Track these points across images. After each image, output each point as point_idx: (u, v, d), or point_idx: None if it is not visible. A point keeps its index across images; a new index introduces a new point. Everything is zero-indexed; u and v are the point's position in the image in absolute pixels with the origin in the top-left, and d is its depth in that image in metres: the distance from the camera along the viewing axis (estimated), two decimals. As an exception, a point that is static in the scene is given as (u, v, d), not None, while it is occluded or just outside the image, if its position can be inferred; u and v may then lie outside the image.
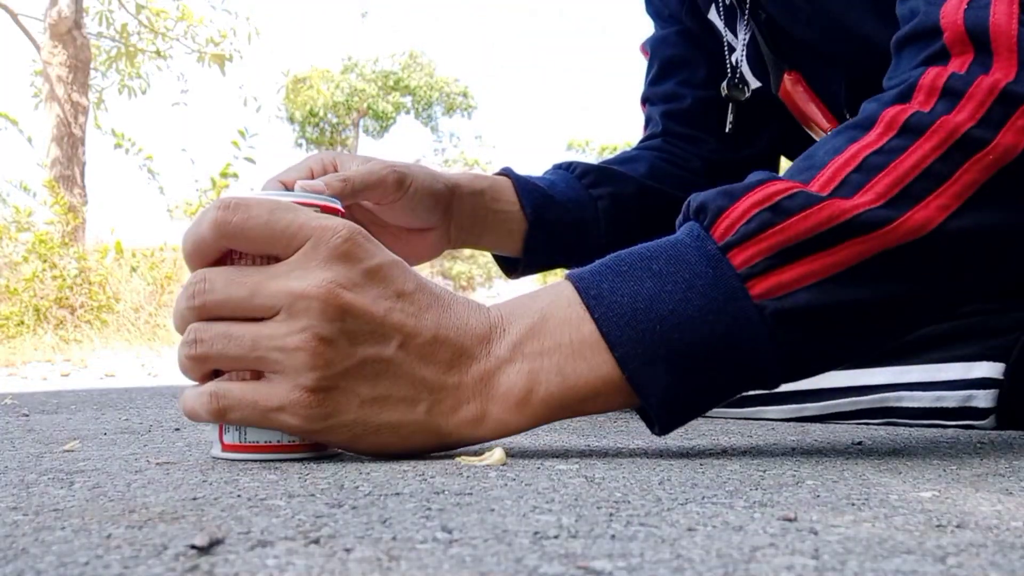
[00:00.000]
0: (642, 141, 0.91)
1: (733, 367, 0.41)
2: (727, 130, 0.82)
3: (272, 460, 0.42)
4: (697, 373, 0.40)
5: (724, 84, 0.79)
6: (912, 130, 0.42)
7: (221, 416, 0.40)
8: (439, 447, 0.43)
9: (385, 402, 0.40)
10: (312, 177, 0.70)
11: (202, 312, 0.40)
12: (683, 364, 0.40)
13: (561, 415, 0.42)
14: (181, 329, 0.42)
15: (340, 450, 0.44)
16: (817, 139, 0.72)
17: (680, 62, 0.89)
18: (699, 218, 0.42)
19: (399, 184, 0.64)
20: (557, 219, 0.73)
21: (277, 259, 0.40)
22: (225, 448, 0.42)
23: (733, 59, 0.79)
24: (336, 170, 0.64)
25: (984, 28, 0.43)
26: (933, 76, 0.43)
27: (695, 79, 0.88)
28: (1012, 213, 0.41)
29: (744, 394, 0.72)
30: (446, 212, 0.68)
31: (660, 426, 0.43)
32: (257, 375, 0.40)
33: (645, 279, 0.41)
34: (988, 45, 0.42)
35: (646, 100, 0.93)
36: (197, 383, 0.42)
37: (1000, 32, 0.42)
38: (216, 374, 0.41)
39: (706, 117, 0.87)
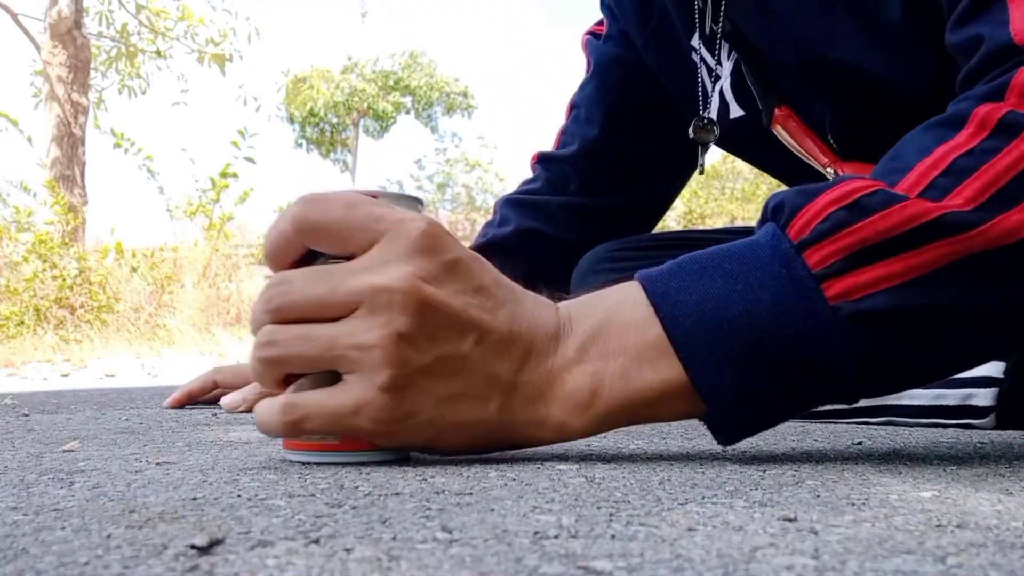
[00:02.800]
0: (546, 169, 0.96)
1: (805, 373, 0.39)
2: (699, 172, 0.83)
3: (333, 463, 0.41)
4: (767, 378, 0.39)
5: (691, 127, 0.78)
6: (1007, 129, 0.39)
7: (297, 429, 0.39)
8: (507, 446, 0.42)
9: (460, 400, 0.39)
10: (214, 388, 0.84)
11: (280, 314, 0.39)
12: (752, 368, 0.38)
13: (625, 420, 0.41)
14: (255, 333, 0.40)
15: (411, 453, 0.43)
16: (817, 167, 0.71)
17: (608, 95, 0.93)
18: (776, 217, 0.41)
19: None
20: None
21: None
22: (287, 446, 0.42)
23: (718, 87, 0.77)
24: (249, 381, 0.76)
25: None
26: None
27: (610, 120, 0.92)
28: None
29: None
30: None
31: (724, 433, 0.41)
32: (332, 382, 0.39)
33: (716, 279, 0.39)
34: None
35: (574, 107, 0.96)
36: (268, 393, 0.41)
37: None
38: (289, 382, 0.40)
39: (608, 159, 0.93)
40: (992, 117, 0.39)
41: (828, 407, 0.68)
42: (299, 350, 0.38)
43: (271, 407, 0.39)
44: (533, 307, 0.41)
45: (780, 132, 0.72)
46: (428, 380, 0.38)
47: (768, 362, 0.38)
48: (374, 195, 0.41)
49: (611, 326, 0.40)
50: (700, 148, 0.80)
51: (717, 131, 0.77)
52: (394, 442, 0.40)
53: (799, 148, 0.72)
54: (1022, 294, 0.39)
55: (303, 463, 0.41)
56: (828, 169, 0.70)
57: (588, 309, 0.42)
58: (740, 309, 0.38)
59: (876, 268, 0.38)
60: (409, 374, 0.38)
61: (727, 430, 0.41)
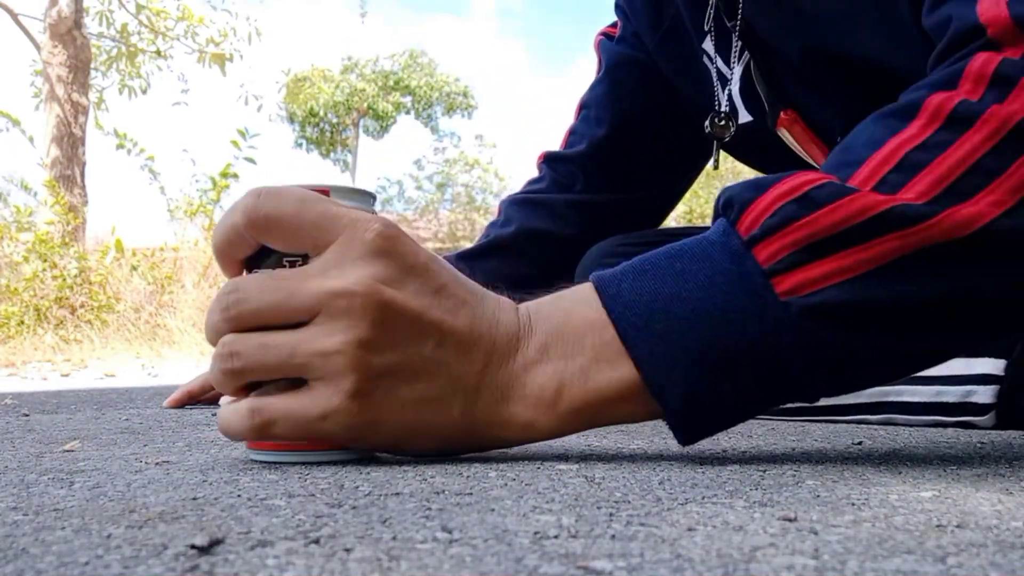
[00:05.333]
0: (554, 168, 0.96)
1: (759, 372, 0.38)
2: (714, 167, 0.82)
3: (301, 462, 0.41)
4: (719, 378, 0.38)
5: (707, 121, 0.77)
6: (959, 121, 0.37)
7: (263, 432, 0.39)
8: (475, 448, 0.43)
9: (424, 403, 0.39)
10: (214, 388, 0.79)
11: (238, 323, 0.38)
12: (704, 368, 0.38)
13: (590, 422, 0.41)
14: (214, 342, 0.40)
15: (377, 453, 0.44)
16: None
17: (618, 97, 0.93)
18: (727, 212, 0.40)
19: None
20: None
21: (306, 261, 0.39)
22: (253, 447, 0.42)
23: (727, 91, 0.77)
24: None
25: None
26: (982, 62, 0.38)
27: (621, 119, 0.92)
28: None
29: None
30: None
31: (682, 434, 0.41)
32: (296, 384, 0.39)
33: (667, 278, 0.39)
34: None
35: (584, 107, 0.96)
36: (232, 399, 0.40)
37: None
38: (251, 388, 0.40)
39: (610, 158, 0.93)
40: (944, 108, 0.38)
41: (825, 404, 0.68)
42: (260, 359, 0.38)
43: (236, 411, 0.39)
44: (495, 307, 0.41)
45: (785, 135, 0.72)
46: (392, 384, 0.38)
47: (719, 361, 0.38)
48: (325, 191, 0.40)
49: (569, 326, 0.40)
50: (715, 143, 0.79)
51: (733, 127, 0.77)
52: (362, 444, 0.41)
53: (803, 153, 0.71)
54: (976, 288, 0.38)
55: (272, 463, 0.41)
56: None
57: (547, 310, 0.42)
58: (690, 309, 0.38)
59: (827, 262, 0.37)
60: (372, 379, 0.38)
61: (683, 430, 0.40)
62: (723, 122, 0.76)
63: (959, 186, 0.37)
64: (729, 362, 0.38)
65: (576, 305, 0.41)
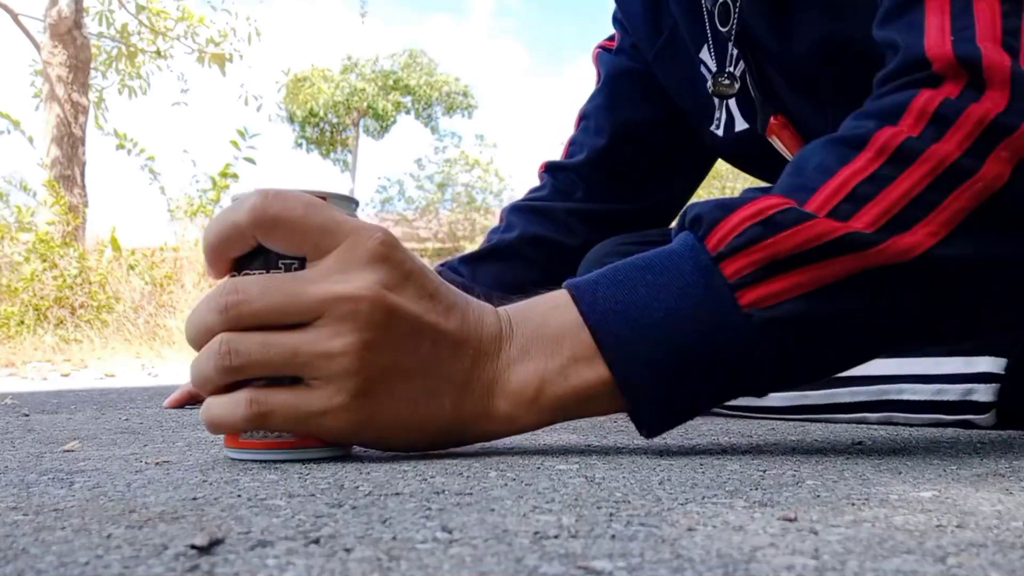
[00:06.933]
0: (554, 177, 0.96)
1: (720, 373, 0.42)
2: (720, 133, 0.82)
3: (281, 460, 0.41)
4: (685, 377, 0.42)
5: (711, 81, 0.77)
6: (903, 157, 0.42)
7: (258, 423, 0.40)
8: (460, 442, 0.45)
9: (418, 400, 0.41)
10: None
11: (237, 322, 0.39)
12: (671, 368, 0.42)
13: (566, 416, 0.44)
14: (201, 340, 0.40)
15: (360, 449, 0.46)
16: None
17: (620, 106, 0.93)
18: (694, 228, 0.43)
19: None
20: None
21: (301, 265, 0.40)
22: (232, 445, 0.42)
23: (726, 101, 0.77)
24: None
25: (976, 58, 0.43)
26: (925, 100, 0.43)
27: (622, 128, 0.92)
28: (1001, 242, 0.42)
29: None
30: None
31: (647, 428, 0.44)
32: (290, 382, 0.40)
33: (639, 288, 0.42)
34: (981, 74, 0.43)
35: (584, 117, 0.96)
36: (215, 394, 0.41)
37: (993, 63, 0.43)
38: (238, 387, 0.40)
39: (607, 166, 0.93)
40: (890, 144, 0.43)
41: (824, 402, 0.68)
42: (261, 358, 0.39)
43: (231, 401, 0.40)
44: (479, 310, 0.44)
45: (775, 141, 0.72)
46: (390, 383, 0.40)
47: (686, 364, 0.42)
48: (324, 196, 0.41)
49: (547, 329, 0.43)
50: (718, 101, 0.78)
51: (737, 85, 0.76)
52: (354, 441, 0.43)
53: (791, 157, 0.72)
54: (919, 306, 0.43)
55: (253, 461, 0.42)
56: None
57: (526, 313, 0.45)
58: (660, 316, 0.41)
59: (785, 278, 0.41)
60: (373, 378, 0.40)
61: (648, 424, 0.44)
62: (727, 80, 0.76)
63: (901, 217, 0.41)
64: (693, 365, 0.42)
65: (553, 310, 0.44)
